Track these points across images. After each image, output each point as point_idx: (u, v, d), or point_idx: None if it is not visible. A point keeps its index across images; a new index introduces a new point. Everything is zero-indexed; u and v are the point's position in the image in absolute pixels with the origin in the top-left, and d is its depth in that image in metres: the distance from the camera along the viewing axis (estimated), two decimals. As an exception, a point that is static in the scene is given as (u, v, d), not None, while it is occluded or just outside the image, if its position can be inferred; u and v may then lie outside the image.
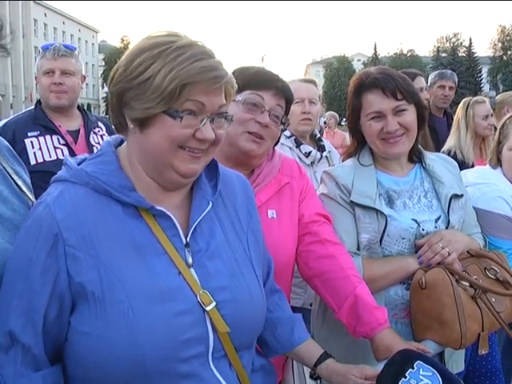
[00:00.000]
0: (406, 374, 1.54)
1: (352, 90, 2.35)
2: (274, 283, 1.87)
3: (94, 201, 1.42)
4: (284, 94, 2.13)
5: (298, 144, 3.54)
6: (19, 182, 1.75)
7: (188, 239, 1.50)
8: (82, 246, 1.37)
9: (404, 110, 2.25)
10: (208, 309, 1.43)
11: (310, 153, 3.52)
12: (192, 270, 1.47)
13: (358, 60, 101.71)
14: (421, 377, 1.53)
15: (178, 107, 1.38)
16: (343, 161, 2.53)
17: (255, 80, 2.08)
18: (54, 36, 77.02)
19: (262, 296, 1.62)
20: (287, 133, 3.52)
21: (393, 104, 2.23)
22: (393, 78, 2.25)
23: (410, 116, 2.27)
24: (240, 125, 2.07)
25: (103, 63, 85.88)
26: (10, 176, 1.74)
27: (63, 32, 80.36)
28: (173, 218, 1.48)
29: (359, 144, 2.43)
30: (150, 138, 1.41)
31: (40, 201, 1.44)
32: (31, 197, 1.77)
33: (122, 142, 1.58)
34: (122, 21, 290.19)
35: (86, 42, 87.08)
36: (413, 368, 1.56)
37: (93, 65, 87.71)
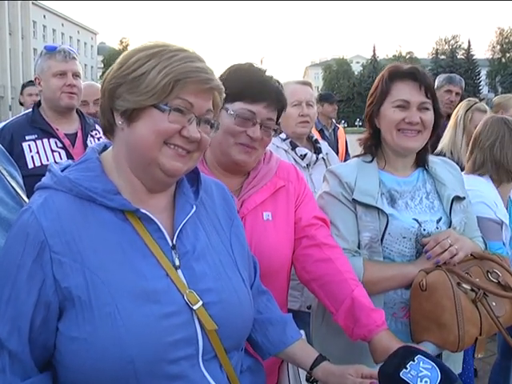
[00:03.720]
0: (407, 366, 1.58)
1: (385, 76, 2.36)
2: (260, 284, 1.88)
3: (77, 207, 1.43)
4: (276, 105, 2.12)
5: (294, 146, 3.54)
6: (13, 184, 1.78)
7: (174, 241, 1.51)
8: (67, 251, 1.38)
9: (427, 108, 2.29)
10: (195, 307, 1.44)
11: (305, 155, 3.51)
12: (179, 271, 1.48)
13: (357, 62, 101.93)
14: (421, 368, 1.58)
15: (170, 102, 1.42)
16: (362, 146, 2.52)
17: (248, 91, 2.05)
18: (53, 37, 77.08)
19: (248, 298, 1.64)
20: (283, 135, 3.53)
21: (422, 99, 2.28)
22: (427, 76, 2.31)
23: (431, 116, 2.31)
24: (232, 136, 2.08)
25: (102, 65, 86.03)
26: (5, 177, 1.75)
27: (62, 34, 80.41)
28: (156, 220, 1.49)
29: (373, 136, 2.44)
30: (137, 132, 1.44)
31: (25, 208, 1.44)
32: (25, 198, 1.79)
33: (105, 147, 1.60)
34: (121, 23, 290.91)
35: (85, 43, 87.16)
36: (413, 361, 1.60)
37: (92, 66, 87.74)
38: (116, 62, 1.51)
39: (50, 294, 1.37)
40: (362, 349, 2.04)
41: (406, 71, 2.31)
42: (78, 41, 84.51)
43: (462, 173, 2.87)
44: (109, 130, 1.54)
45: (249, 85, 2.06)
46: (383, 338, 1.92)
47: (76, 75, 3.47)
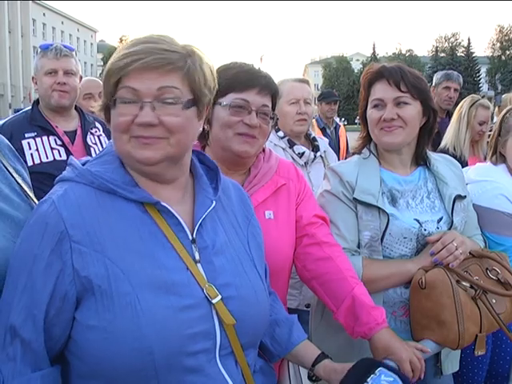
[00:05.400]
0: (368, 380, 1.58)
1: (364, 79, 2.39)
2: (269, 286, 1.88)
3: (97, 199, 1.45)
4: (269, 90, 2.11)
5: (292, 145, 3.53)
6: (19, 180, 1.78)
7: (194, 235, 1.52)
8: (87, 242, 1.39)
9: (406, 103, 2.26)
10: (214, 301, 1.45)
11: (303, 153, 3.51)
12: (199, 265, 1.49)
13: (357, 60, 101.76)
14: (382, 382, 1.58)
15: (114, 97, 1.44)
16: (354, 149, 2.53)
17: (237, 81, 2.05)
18: (53, 35, 76.98)
19: (265, 295, 1.66)
20: (280, 133, 3.53)
21: (395, 94, 2.26)
22: (401, 70, 2.29)
23: (411, 110, 2.27)
24: (229, 128, 2.07)
25: (102, 63, 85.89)
26: (11, 174, 1.75)
27: (62, 32, 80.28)
28: (176, 215, 1.50)
29: (368, 135, 2.44)
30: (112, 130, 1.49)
31: (45, 199, 1.46)
32: (31, 194, 1.79)
33: None
34: (121, 20, 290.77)
35: (85, 41, 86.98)
36: (375, 374, 1.60)
37: (91, 64, 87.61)
38: None
39: (67, 283, 1.37)
40: (361, 346, 2.06)
41: (376, 71, 2.32)
42: (78, 38, 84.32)
43: (487, 162, 2.87)
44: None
45: (237, 75, 2.06)
46: (384, 335, 1.92)
47: (68, 73, 3.43)
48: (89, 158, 1.60)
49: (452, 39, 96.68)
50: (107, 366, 1.37)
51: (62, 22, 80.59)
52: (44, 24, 74.78)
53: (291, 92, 3.50)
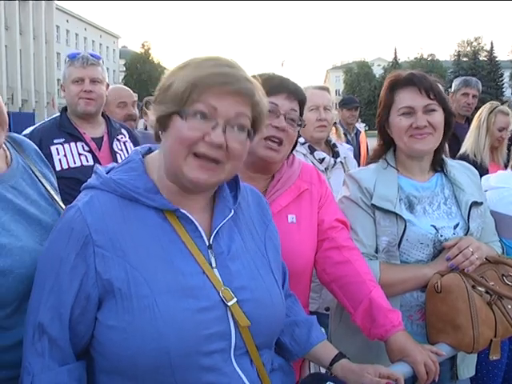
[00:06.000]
0: None
1: (386, 86, 2.43)
2: (288, 289, 1.95)
3: (120, 206, 1.53)
4: (296, 96, 2.20)
5: (312, 150, 3.61)
6: (46, 185, 1.88)
7: (211, 241, 1.59)
8: (109, 247, 1.47)
9: (434, 110, 2.32)
10: (230, 304, 1.51)
11: (323, 159, 3.58)
12: (215, 270, 1.56)
13: (378, 65, 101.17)
14: None
15: (189, 108, 1.47)
16: (370, 159, 2.59)
17: (267, 86, 2.09)
18: (76, 42, 77.73)
19: (280, 298, 1.71)
20: (301, 139, 3.58)
21: (425, 102, 2.31)
22: (428, 78, 2.35)
23: (439, 117, 2.34)
24: None
25: (124, 69, 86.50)
26: (38, 179, 1.85)
27: (85, 38, 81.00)
28: (194, 221, 1.57)
29: (385, 144, 2.50)
30: (167, 140, 1.53)
31: (71, 205, 1.54)
32: (57, 198, 1.89)
33: (149, 150, 1.69)
34: (143, 26, 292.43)
35: (107, 47, 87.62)
36: None
37: (114, 70, 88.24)
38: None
39: (91, 285, 1.46)
40: (378, 348, 2.10)
41: (404, 78, 2.36)
42: (101, 45, 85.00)
43: (508, 169, 2.90)
44: (157, 138, 1.62)
45: (267, 81, 2.07)
46: (399, 338, 1.97)
47: (95, 81, 3.52)
48: (114, 164, 1.67)
49: (474, 43, 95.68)
50: (127, 363, 1.45)
51: (85, 29, 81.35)
52: (67, 30, 75.58)
53: (311, 99, 3.56)
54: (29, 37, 59.14)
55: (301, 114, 2.24)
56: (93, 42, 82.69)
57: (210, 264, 1.56)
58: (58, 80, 67.93)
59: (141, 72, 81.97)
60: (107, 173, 1.61)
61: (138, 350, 1.42)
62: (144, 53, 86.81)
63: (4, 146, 1.83)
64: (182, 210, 1.55)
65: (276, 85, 2.15)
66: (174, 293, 1.47)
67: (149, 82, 75.96)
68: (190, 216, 1.56)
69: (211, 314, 1.50)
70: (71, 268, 1.46)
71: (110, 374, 1.51)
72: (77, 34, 78.52)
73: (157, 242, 1.52)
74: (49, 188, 1.89)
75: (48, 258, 1.52)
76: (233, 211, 1.67)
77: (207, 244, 1.58)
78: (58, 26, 70.42)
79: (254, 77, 1.59)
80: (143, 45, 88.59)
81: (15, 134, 1.87)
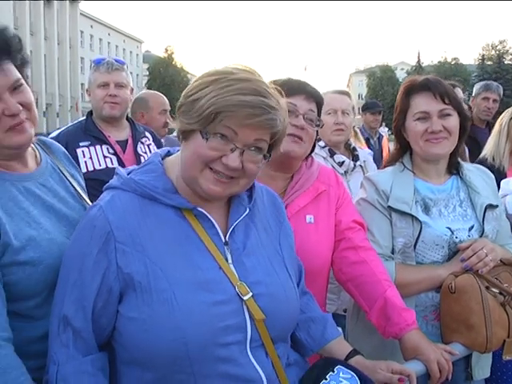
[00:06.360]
0: (327, 377, 1.65)
1: (402, 92, 2.48)
2: (304, 286, 2.01)
3: (140, 205, 1.61)
4: (314, 98, 2.28)
5: (332, 154, 3.67)
6: (75, 184, 1.98)
7: (227, 238, 1.66)
8: (130, 242, 1.55)
9: (449, 114, 2.37)
10: (245, 298, 1.58)
11: (343, 162, 3.64)
12: (231, 265, 1.63)
13: (402, 69, 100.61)
14: (340, 379, 1.64)
15: (211, 129, 1.52)
16: (387, 163, 2.64)
17: (286, 88, 2.10)
18: (100, 47, 78.55)
19: (294, 293, 1.77)
20: (321, 143, 3.66)
21: (440, 106, 2.36)
22: (443, 83, 2.40)
23: (454, 121, 2.38)
24: None
25: (147, 73, 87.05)
26: (67, 178, 1.95)
27: (108, 43, 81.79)
28: (212, 219, 1.65)
29: (402, 148, 2.55)
30: (186, 151, 1.60)
31: (94, 204, 1.64)
32: (85, 197, 1.98)
33: (168, 153, 1.78)
34: (166, 31, 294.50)
35: (131, 52, 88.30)
36: (333, 371, 1.66)
37: (137, 75, 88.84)
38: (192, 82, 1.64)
39: (112, 279, 1.54)
40: (393, 347, 2.15)
41: (419, 84, 2.41)
42: (124, 50, 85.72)
43: None
44: (179, 139, 1.69)
45: (286, 83, 2.14)
46: (413, 336, 2.03)
47: (120, 85, 3.62)
48: (134, 166, 1.76)
49: (499, 47, 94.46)
50: (147, 354, 1.53)
51: (109, 34, 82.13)
52: (91, 36, 76.39)
53: (330, 103, 3.62)
54: (53, 42, 59.99)
55: (318, 115, 2.30)
56: (116, 46, 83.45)
57: (226, 260, 1.63)
58: (82, 84, 68.72)
59: (164, 76, 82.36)
60: (128, 174, 1.69)
61: (157, 341, 1.50)
62: (167, 57, 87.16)
63: (34, 147, 1.93)
64: (199, 209, 1.63)
65: (295, 86, 2.23)
66: (191, 286, 1.54)
67: (172, 86, 76.32)
68: (207, 214, 1.64)
69: (227, 307, 1.56)
70: (94, 263, 1.54)
71: (130, 364, 1.59)
72: (101, 39, 79.32)
73: (175, 238, 1.60)
74: (76, 186, 1.98)
75: (72, 253, 1.61)
76: (248, 209, 1.74)
77: (223, 241, 1.66)
78: (82, 31, 71.22)
79: (273, 83, 1.64)
80: (166, 49, 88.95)
81: (44, 138, 1.97)
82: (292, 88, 2.19)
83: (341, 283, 2.34)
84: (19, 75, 1.73)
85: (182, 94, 1.65)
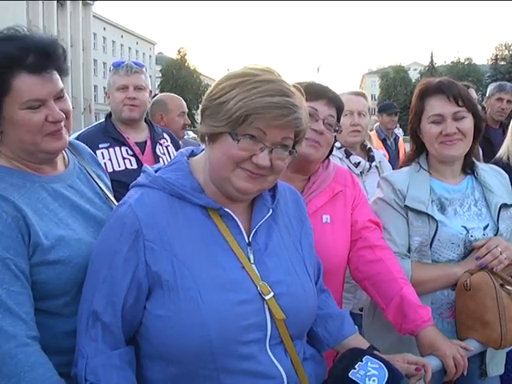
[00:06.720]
0: (356, 366, 1.68)
1: (417, 94, 2.53)
2: (322, 284, 2.05)
3: (168, 203, 1.65)
4: (335, 103, 2.33)
5: (348, 154, 3.71)
6: (101, 185, 2.04)
7: (250, 239, 1.70)
8: (158, 241, 1.59)
9: (463, 116, 2.40)
10: (267, 298, 1.63)
11: (359, 163, 3.69)
12: (253, 265, 1.67)
13: (415, 69, 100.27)
14: (369, 368, 1.67)
15: (241, 131, 1.56)
16: (403, 163, 2.69)
17: (308, 92, 2.11)
18: (113, 49, 79.01)
19: (313, 292, 1.82)
20: (337, 144, 3.68)
21: (454, 109, 2.39)
22: (456, 85, 2.43)
23: (469, 123, 2.42)
24: None
25: (160, 75, 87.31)
26: (93, 179, 2.01)
27: (121, 45, 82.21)
28: (236, 219, 1.69)
29: (418, 148, 2.60)
30: (215, 153, 1.63)
31: (123, 202, 1.67)
32: (111, 197, 2.04)
33: (192, 153, 1.81)
34: (179, 33, 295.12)
35: (144, 54, 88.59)
36: (362, 361, 1.70)
37: (150, 76, 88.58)
38: (213, 85, 1.68)
39: (142, 276, 1.58)
40: (409, 344, 2.18)
41: (433, 87, 2.45)
42: (137, 51, 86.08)
43: None
44: (203, 141, 1.73)
45: (308, 87, 2.14)
46: (429, 332, 2.07)
47: (138, 88, 3.66)
48: (160, 165, 1.80)
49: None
50: (172, 349, 1.57)
51: (122, 36, 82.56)
52: (104, 38, 76.86)
53: (346, 104, 3.60)
54: (66, 44, 59.77)
55: (338, 121, 2.35)
56: (129, 48, 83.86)
57: (249, 260, 1.67)
58: (95, 86, 69.14)
59: (177, 78, 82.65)
60: (155, 172, 1.73)
61: (183, 337, 1.54)
62: (180, 59, 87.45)
63: None
64: (225, 209, 1.66)
65: (316, 91, 2.27)
66: (215, 286, 1.58)
67: (185, 87, 76.61)
68: (232, 214, 1.68)
69: (250, 306, 1.61)
70: (124, 260, 1.58)
71: (155, 359, 1.63)
72: (113, 41, 79.78)
73: (200, 237, 1.64)
74: (103, 187, 2.04)
75: (101, 250, 1.65)
76: (271, 210, 1.78)
77: (247, 241, 1.69)
78: (95, 34, 71.69)
79: (295, 86, 1.66)
80: (179, 51, 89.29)
81: (71, 139, 2.02)
82: (314, 92, 2.23)
83: (358, 282, 2.39)
84: (62, 85, 1.80)
85: (204, 97, 1.68)
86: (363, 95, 3.93)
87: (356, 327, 2.04)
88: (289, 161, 1.67)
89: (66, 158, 1.99)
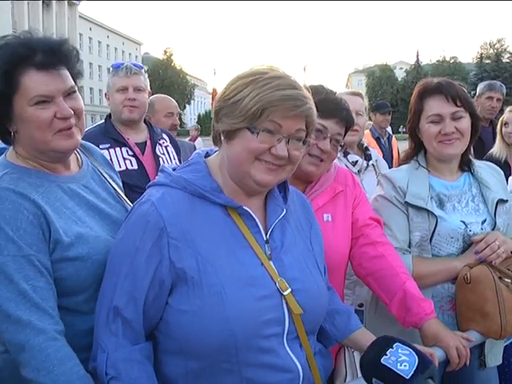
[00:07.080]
0: (387, 353, 1.74)
1: (416, 95, 2.59)
2: (327, 281, 2.10)
3: (189, 202, 1.70)
4: (346, 122, 2.37)
5: (346, 154, 3.75)
6: (114, 185, 2.08)
7: (267, 236, 1.76)
8: (181, 238, 1.63)
9: (461, 116, 2.47)
10: (285, 293, 1.69)
11: (356, 162, 3.74)
12: (271, 262, 1.73)
13: (401, 68, 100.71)
14: (399, 354, 1.73)
15: (258, 125, 1.63)
16: (402, 161, 2.75)
17: (322, 107, 2.06)
18: (99, 49, 78.67)
19: (325, 288, 1.89)
20: None
21: (452, 109, 2.46)
22: (455, 86, 2.50)
23: (466, 123, 2.49)
24: None
25: (146, 75, 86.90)
26: (107, 180, 2.05)
27: (107, 45, 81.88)
28: (255, 217, 1.74)
29: (416, 147, 2.66)
30: (233, 149, 1.68)
31: (143, 200, 1.71)
32: (124, 197, 2.08)
33: (207, 154, 1.87)
34: (165, 33, 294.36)
35: (130, 54, 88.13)
36: (392, 348, 1.75)
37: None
38: (224, 86, 1.74)
39: (165, 273, 1.62)
40: (411, 337, 2.21)
41: (432, 87, 2.51)
42: (123, 52, 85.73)
43: None
44: (216, 142, 1.79)
45: (322, 102, 2.14)
46: (432, 325, 2.14)
47: (138, 89, 3.69)
48: (175, 165, 1.85)
49: (497, 45, 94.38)
50: (195, 344, 1.62)
51: (108, 36, 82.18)
52: (90, 38, 76.50)
53: None
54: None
55: (344, 136, 2.40)
56: (115, 49, 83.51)
57: (267, 256, 1.73)
58: (81, 87, 68.74)
59: (163, 78, 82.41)
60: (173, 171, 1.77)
61: (207, 331, 1.59)
62: (166, 59, 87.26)
63: (75, 150, 2.03)
64: (244, 207, 1.72)
65: (330, 110, 2.29)
66: (237, 281, 1.63)
67: (171, 87, 76.39)
68: (251, 213, 1.73)
69: (269, 301, 1.66)
70: (147, 257, 1.62)
71: (174, 354, 1.68)
72: (99, 42, 79.45)
73: (221, 235, 1.69)
74: (116, 187, 2.08)
75: (122, 247, 1.68)
76: (285, 210, 1.84)
77: (265, 239, 1.75)
78: (81, 34, 71.28)
79: (308, 87, 1.74)
80: (165, 51, 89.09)
81: (84, 141, 2.06)
82: (327, 109, 2.25)
83: (361, 278, 2.45)
84: (73, 83, 1.83)
85: (218, 98, 1.74)
86: (360, 95, 4.00)
87: (361, 323, 2.09)
88: (304, 151, 1.74)
89: (80, 159, 2.03)
